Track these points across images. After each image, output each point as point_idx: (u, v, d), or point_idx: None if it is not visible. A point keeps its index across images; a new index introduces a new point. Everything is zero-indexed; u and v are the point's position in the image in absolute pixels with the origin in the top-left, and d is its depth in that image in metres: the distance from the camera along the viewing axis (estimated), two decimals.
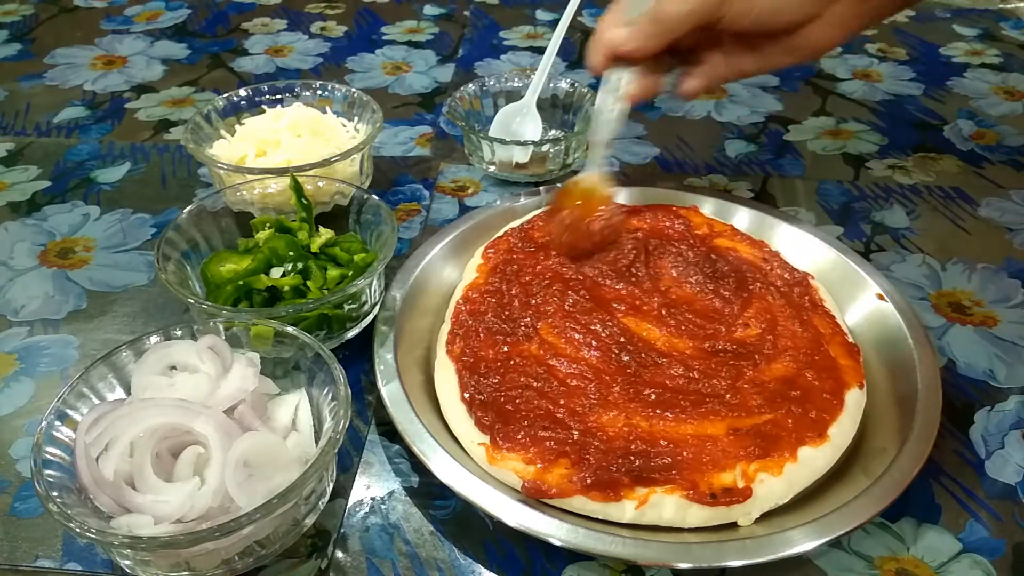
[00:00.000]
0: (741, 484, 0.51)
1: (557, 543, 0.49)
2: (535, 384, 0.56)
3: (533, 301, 0.63)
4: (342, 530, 0.54)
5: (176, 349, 0.55)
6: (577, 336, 0.59)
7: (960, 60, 1.13)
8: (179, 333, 0.56)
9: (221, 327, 0.56)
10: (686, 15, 0.59)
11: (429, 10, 1.26)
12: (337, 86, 0.86)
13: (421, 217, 0.82)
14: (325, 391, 0.54)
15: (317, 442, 0.54)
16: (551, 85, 0.90)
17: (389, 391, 0.57)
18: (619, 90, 0.64)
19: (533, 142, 0.84)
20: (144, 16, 1.25)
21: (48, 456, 0.49)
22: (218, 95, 0.85)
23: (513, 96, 0.90)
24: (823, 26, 0.60)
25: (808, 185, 0.86)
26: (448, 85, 1.05)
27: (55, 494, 0.46)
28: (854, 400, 0.57)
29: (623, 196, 0.76)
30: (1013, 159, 0.90)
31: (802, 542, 0.48)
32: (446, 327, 0.63)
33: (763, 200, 0.82)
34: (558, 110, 0.91)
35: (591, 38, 0.64)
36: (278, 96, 0.86)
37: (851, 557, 0.52)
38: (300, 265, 0.64)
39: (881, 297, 0.65)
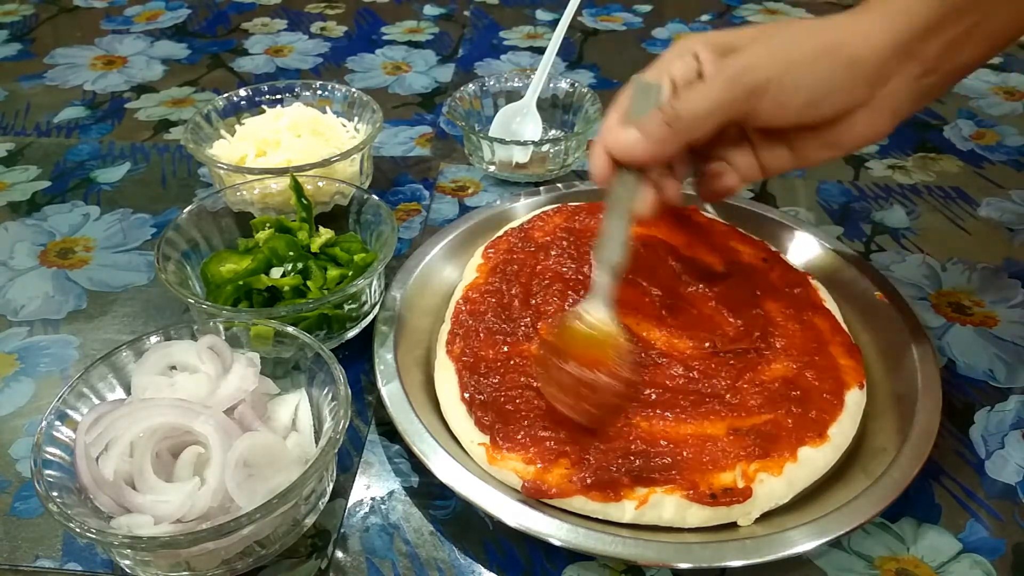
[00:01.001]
0: (741, 484, 0.51)
1: (557, 543, 0.49)
2: (535, 384, 0.56)
3: (533, 301, 0.63)
4: (342, 530, 0.54)
5: (176, 349, 0.55)
6: None
7: None
8: (179, 333, 0.56)
9: (221, 327, 0.56)
10: (708, 113, 0.49)
11: (429, 10, 1.26)
12: (337, 86, 0.86)
13: (421, 217, 0.82)
14: (325, 391, 0.54)
15: (317, 442, 0.54)
16: (551, 85, 0.90)
17: (389, 391, 0.57)
18: (628, 204, 0.54)
19: (533, 142, 0.84)
20: (144, 16, 1.25)
21: (48, 456, 0.49)
22: (218, 95, 0.85)
23: (513, 96, 0.90)
24: (871, 113, 0.50)
25: (808, 185, 0.86)
26: (448, 85, 1.05)
27: (55, 494, 0.46)
28: (854, 400, 0.57)
29: None
30: (1013, 159, 0.90)
31: (802, 542, 0.48)
32: (446, 327, 0.63)
33: (763, 200, 0.82)
34: (558, 110, 0.91)
35: (594, 140, 0.54)
36: (278, 96, 0.86)
37: (851, 557, 0.52)
38: (300, 265, 0.64)
39: (881, 297, 0.65)
